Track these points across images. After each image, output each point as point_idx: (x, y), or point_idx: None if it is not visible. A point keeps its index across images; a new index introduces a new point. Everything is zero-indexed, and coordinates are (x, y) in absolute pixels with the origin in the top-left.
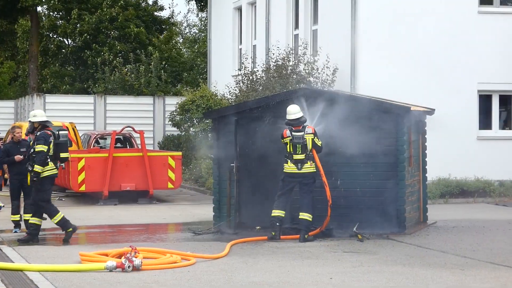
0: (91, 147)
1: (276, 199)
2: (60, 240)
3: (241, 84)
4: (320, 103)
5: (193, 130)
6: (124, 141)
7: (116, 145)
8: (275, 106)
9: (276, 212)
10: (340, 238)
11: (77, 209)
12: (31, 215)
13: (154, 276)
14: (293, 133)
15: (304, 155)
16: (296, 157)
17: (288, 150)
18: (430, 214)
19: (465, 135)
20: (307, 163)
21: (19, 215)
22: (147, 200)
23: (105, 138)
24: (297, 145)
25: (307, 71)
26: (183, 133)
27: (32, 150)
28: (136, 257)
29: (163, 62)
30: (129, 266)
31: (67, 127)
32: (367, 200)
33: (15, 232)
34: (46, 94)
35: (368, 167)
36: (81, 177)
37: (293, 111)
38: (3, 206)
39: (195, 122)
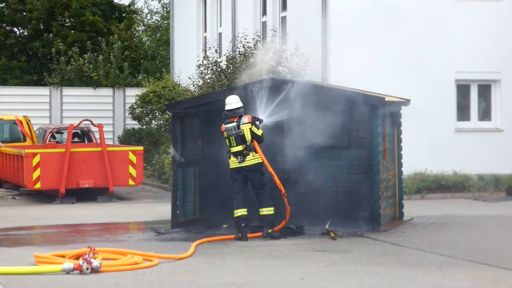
0: (47, 142)
1: (235, 198)
2: (14, 241)
3: (205, 74)
4: (287, 94)
5: (155, 123)
6: (82, 135)
7: (74, 140)
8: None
9: (239, 212)
10: (311, 236)
11: (32, 208)
12: None
13: (114, 278)
14: (224, 125)
15: (241, 146)
16: (233, 150)
17: (228, 144)
18: (406, 210)
19: (442, 126)
20: (249, 155)
21: None
22: (106, 198)
23: (62, 133)
24: (231, 137)
25: (275, 59)
26: (144, 127)
27: None
28: (94, 258)
29: (125, 52)
30: (87, 268)
31: (20, 121)
32: (340, 195)
33: None
34: None
35: (341, 161)
36: (36, 174)
37: (230, 101)
38: None
39: (157, 114)
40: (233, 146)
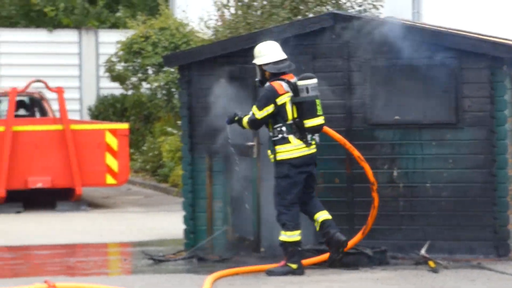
0: None
1: (287, 212)
2: None
3: (226, 8)
4: (362, 40)
5: (148, 86)
6: (31, 105)
7: (18, 113)
8: (288, 44)
9: (297, 235)
10: (398, 266)
11: None
12: None
13: None
14: (299, 82)
15: (323, 118)
16: (312, 123)
17: (291, 117)
18: None
19: None
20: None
21: None
22: (71, 204)
23: None
24: (316, 101)
25: None
26: (130, 92)
27: None
28: None
29: None
30: None
31: None
32: (443, 203)
33: None
34: None
35: (444, 147)
36: None
37: (275, 48)
38: None
39: (150, 72)
40: (315, 116)
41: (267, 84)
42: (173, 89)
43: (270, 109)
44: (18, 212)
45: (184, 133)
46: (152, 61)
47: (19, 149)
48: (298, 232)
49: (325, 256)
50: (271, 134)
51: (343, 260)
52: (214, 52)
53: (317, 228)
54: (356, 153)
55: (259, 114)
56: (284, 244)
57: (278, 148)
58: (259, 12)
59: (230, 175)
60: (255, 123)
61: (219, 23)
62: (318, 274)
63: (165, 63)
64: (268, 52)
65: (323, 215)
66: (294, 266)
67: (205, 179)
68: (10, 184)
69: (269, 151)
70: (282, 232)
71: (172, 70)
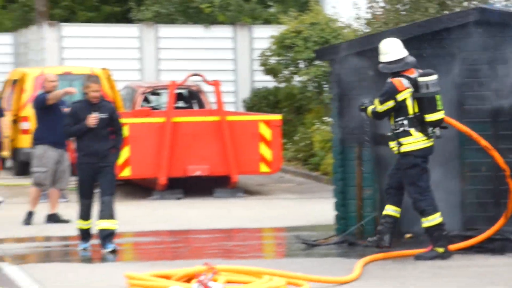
0: (138, 108)
1: (422, 198)
2: (96, 254)
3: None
4: (508, 33)
5: (300, 79)
6: (190, 97)
7: (177, 105)
8: (434, 38)
9: (438, 217)
10: None
11: (118, 206)
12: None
13: None
14: (420, 79)
15: (443, 112)
16: (433, 117)
17: (412, 111)
18: None
19: None
20: None
21: (90, 221)
22: (228, 191)
23: (159, 94)
24: (436, 97)
25: None
26: (282, 85)
27: None
28: (215, 281)
29: None
30: None
31: (97, 76)
32: None
33: (83, 248)
34: (62, 23)
35: None
36: (123, 156)
37: (399, 45)
38: (3, 201)
39: (301, 66)
40: (436, 111)
41: (388, 80)
42: (323, 82)
43: (390, 104)
44: (179, 198)
45: (335, 124)
46: (303, 56)
47: (178, 139)
48: (438, 214)
49: (472, 241)
50: (393, 127)
51: (487, 246)
52: (362, 46)
53: (383, 213)
54: (483, 142)
55: (380, 108)
56: (428, 229)
57: (402, 140)
58: (407, 6)
59: (378, 164)
60: (376, 115)
61: (370, 17)
62: (465, 259)
63: (317, 57)
64: (386, 51)
65: (391, 209)
66: (440, 250)
67: (354, 168)
68: (171, 172)
69: (392, 143)
70: (423, 219)
71: (321, 64)
